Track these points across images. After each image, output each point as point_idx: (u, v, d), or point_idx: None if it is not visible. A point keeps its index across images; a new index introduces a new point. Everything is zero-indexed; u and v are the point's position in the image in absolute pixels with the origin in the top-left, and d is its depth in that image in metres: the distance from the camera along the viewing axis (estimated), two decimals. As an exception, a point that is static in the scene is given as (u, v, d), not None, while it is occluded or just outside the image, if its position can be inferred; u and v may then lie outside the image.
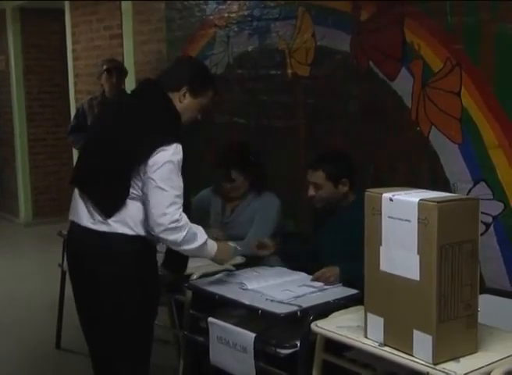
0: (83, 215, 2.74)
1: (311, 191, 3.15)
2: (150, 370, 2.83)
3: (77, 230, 2.78)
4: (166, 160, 2.58)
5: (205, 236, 2.75)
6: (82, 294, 2.81)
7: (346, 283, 2.91)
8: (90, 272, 2.71)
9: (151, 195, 2.59)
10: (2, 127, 8.55)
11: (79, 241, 2.77)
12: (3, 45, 8.25)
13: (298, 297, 2.76)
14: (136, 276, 2.69)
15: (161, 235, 2.61)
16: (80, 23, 6.71)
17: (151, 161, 2.58)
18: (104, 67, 5.16)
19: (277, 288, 2.88)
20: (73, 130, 5.27)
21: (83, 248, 2.74)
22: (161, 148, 2.58)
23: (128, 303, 2.69)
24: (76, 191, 2.81)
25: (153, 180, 2.58)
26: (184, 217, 2.64)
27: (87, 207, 2.73)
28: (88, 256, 2.71)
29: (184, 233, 2.63)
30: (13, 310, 5.19)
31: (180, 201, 2.63)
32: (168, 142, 2.60)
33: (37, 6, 7.90)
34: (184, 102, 2.79)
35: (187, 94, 2.78)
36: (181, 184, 2.63)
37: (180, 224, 2.61)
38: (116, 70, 5.17)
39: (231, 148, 3.80)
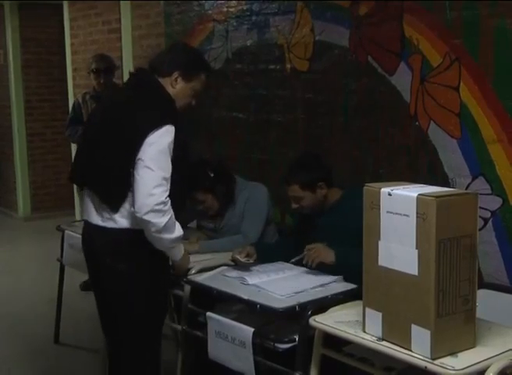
0: (92, 213, 2.78)
1: (294, 205, 3.16)
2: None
3: (88, 228, 2.83)
4: (155, 141, 2.57)
5: (181, 230, 2.72)
6: (98, 291, 2.86)
7: (340, 268, 2.91)
8: (103, 269, 2.75)
9: (138, 175, 2.57)
10: (1, 122, 8.53)
11: (90, 240, 2.81)
12: (1, 39, 8.22)
13: (298, 292, 2.76)
14: (148, 271, 2.71)
15: (146, 217, 2.55)
16: (79, 17, 6.70)
17: (143, 143, 2.56)
18: (91, 67, 5.19)
19: (278, 283, 2.88)
20: (71, 123, 5.29)
21: (95, 246, 2.77)
22: (152, 131, 2.57)
23: (141, 298, 2.71)
24: (85, 190, 2.85)
25: (141, 160, 2.57)
26: (169, 203, 2.60)
27: (94, 205, 2.76)
28: (100, 254, 2.74)
29: (167, 219, 2.58)
30: (12, 304, 5.19)
31: (167, 184, 2.59)
32: (159, 125, 2.58)
33: (36, 0, 7.88)
34: (177, 87, 2.77)
35: (179, 79, 2.77)
36: (169, 167, 2.60)
37: (166, 208, 2.58)
38: (104, 71, 5.18)
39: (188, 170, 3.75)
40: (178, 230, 2.68)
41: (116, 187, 2.67)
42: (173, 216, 2.63)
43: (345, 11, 3.75)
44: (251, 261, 3.14)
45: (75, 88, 6.89)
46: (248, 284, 2.90)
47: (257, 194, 3.63)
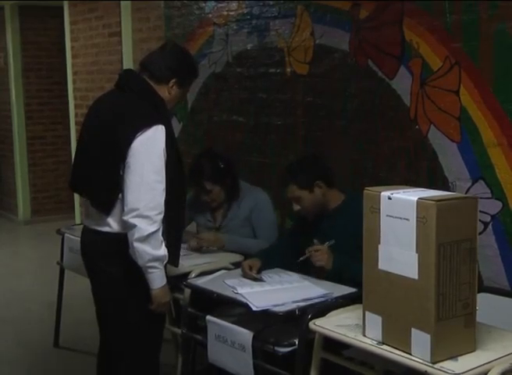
0: (88, 216, 2.80)
1: (296, 207, 3.13)
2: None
3: (86, 232, 2.83)
4: (143, 143, 2.53)
5: (167, 253, 2.59)
6: (95, 294, 2.86)
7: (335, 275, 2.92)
8: (98, 273, 2.75)
9: (128, 179, 2.53)
10: (1, 125, 8.54)
11: (86, 244, 2.82)
12: (2, 43, 8.23)
13: (275, 305, 2.67)
14: (142, 276, 2.65)
15: (132, 220, 2.49)
16: (79, 20, 6.70)
17: (132, 146, 2.53)
18: None
19: (267, 295, 2.80)
20: None
21: (91, 250, 2.78)
22: (139, 133, 2.53)
23: (135, 303, 2.68)
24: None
25: (130, 163, 2.53)
26: (161, 215, 2.53)
27: (89, 209, 2.77)
28: (94, 258, 2.75)
29: (155, 229, 2.50)
30: (12, 308, 5.19)
31: (160, 189, 2.53)
32: (147, 125, 2.55)
33: (36, 4, 7.90)
34: (172, 94, 2.77)
35: (175, 86, 2.76)
36: (162, 169, 2.55)
37: (156, 217, 2.51)
38: None
39: (199, 159, 3.70)
40: (163, 250, 2.57)
41: (106, 191, 2.65)
42: (160, 232, 2.54)
43: (345, 14, 3.75)
44: (259, 276, 3.04)
45: (75, 92, 6.89)
46: (237, 293, 2.86)
47: (264, 202, 3.67)
